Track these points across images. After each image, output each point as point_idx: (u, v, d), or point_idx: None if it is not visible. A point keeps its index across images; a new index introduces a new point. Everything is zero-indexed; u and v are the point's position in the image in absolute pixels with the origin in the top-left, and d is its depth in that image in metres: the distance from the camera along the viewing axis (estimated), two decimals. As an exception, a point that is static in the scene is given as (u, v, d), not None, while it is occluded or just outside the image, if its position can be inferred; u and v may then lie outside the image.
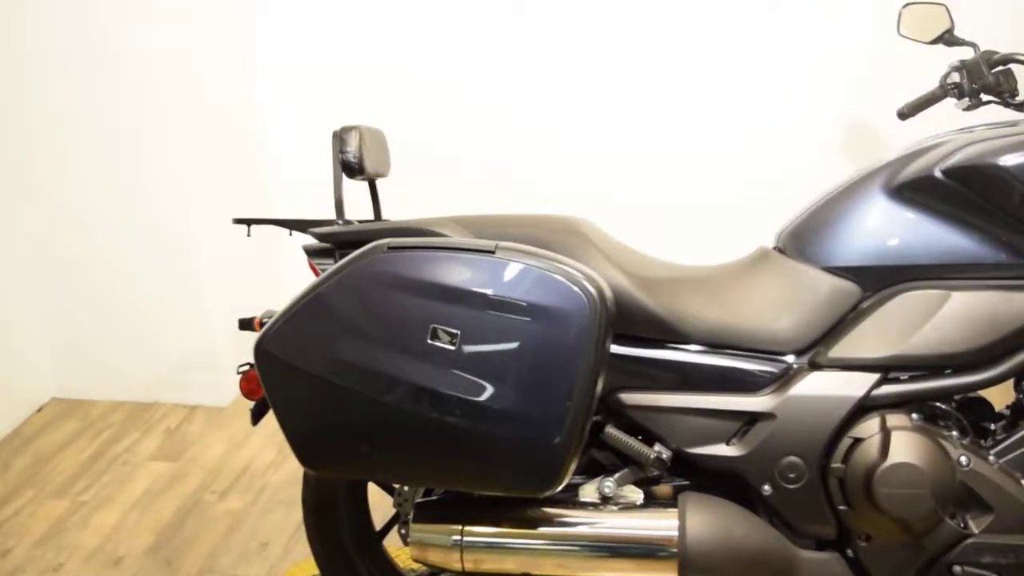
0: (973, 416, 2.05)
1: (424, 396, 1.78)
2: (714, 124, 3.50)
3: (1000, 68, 2.18)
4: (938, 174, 1.91)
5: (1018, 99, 2.24)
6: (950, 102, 2.36)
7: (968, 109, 2.31)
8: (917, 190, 1.94)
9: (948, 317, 1.92)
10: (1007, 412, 2.06)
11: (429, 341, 1.78)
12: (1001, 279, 1.92)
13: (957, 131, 2.04)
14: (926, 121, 2.47)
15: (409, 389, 1.78)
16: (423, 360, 1.78)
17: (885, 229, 1.97)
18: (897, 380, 1.96)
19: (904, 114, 2.44)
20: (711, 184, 3.56)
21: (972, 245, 1.92)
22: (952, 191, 1.91)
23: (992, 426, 2.03)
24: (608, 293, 1.80)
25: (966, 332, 1.92)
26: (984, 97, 2.28)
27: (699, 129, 3.51)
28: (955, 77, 2.28)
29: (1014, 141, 1.87)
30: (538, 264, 1.78)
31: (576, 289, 1.76)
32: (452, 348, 1.77)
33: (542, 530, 1.98)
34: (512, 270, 1.78)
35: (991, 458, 1.95)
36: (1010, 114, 2.23)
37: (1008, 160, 1.84)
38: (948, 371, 1.95)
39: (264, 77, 3.83)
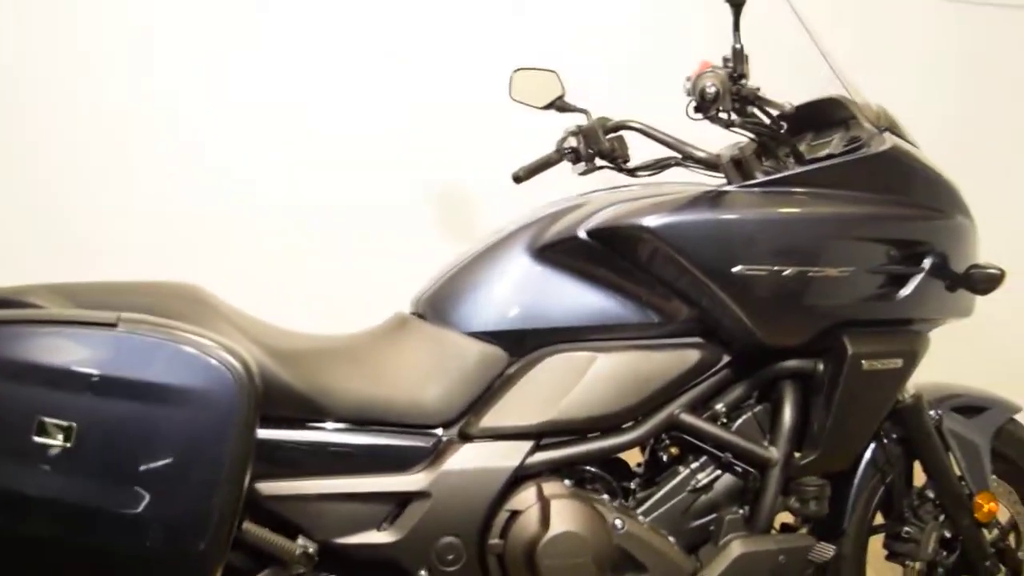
0: (614, 477, 2.04)
1: (33, 509, 1.42)
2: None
3: (614, 134, 2.24)
4: (582, 234, 1.90)
5: (630, 164, 2.30)
6: (565, 167, 2.38)
7: (584, 173, 2.34)
8: (560, 251, 1.91)
9: (595, 379, 1.90)
10: (640, 470, 2.08)
11: (35, 438, 1.43)
12: (644, 339, 1.93)
13: (604, 191, 2.05)
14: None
15: (13, 501, 1.42)
16: (28, 462, 1.43)
17: (529, 291, 1.91)
18: (550, 446, 1.90)
19: (519, 177, 2.41)
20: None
21: (616, 306, 1.91)
22: (596, 252, 1.90)
23: (631, 485, 2.03)
24: (255, 368, 1.56)
25: (613, 393, 1.90)
26: (599, 162, 2.31)
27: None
28: (572, 142, 2.28)
29: (655, 202, 1.90)
30: (171, 338, 1.51)
31: (219, 365, 1.51)
32: (66, 445, 1.44)
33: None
34: (140, 345, 1.49)
35: (641, 517, 1.94)
36: (623, 179, 2.28)
37: (650, 221, 1.85)
38: (597, 434, 1.92)
39: None
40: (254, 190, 3.08)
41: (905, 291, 1.97)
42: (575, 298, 1.91)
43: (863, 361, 1.95)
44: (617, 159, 2.26)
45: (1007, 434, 2.27)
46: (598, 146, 2.22)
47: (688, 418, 1.95)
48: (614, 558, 1.88)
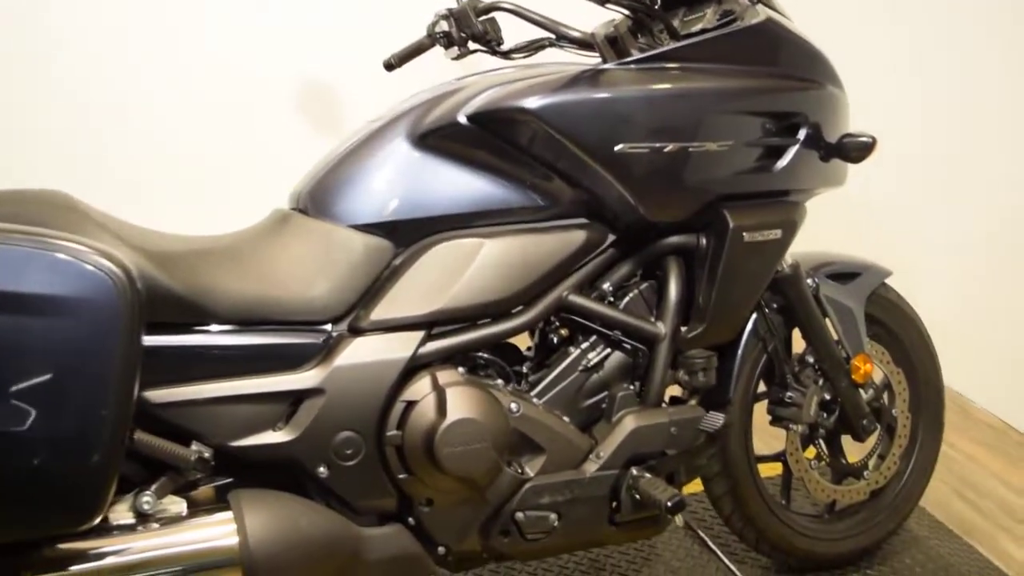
0: (506, 361, 2.05)
1: None
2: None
3: (486, 16, 2.19)
4: (461, 119, 1.86)
5: (504, 48, 2.27)
6: (439, 51, 2.33)
7: (457, 58, 2.29)
8: (441, 137, 1.88)
9: (484, 266, 1.89)
10: (531, 353, 2.09)
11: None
12: (531, 223, 1.93)
13: (481, 73, 2.01)
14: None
15: None
16: None
17: (411, 180, 1.88)
18: (442, 335, 1.89)
19: (391, 65, 2.35)
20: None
21: (501, 191, 1.90)
22: (477, 136, 1.87)
23: (523, 369, 2.05)
24: (135, 272, 1.50)
25: (502, 278, 1.90)
26: (472, 46, 2.27)
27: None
28: (443, 25, 2.23)
29: (534, 83, 1.88)
30: (43, 246, 1.43)
31: (98, 271, 1.44)
32: (-66, 363, 1.37)
33: (76, 569, 1.61)
34: (10, 256, 1.41)
35: (535, 399, 1.96)
36: (497, 63, 2.25)
37: (529, 103, 1.83)
38: (488, 320, 1.92)
39: None
40: (118, 94, 2.94)
41: (782, 163, 2.01)
42: (458, 185, 1.89)
43: (744, 233, 1.98)
44: (490, 42, 2.22)
45: (879, 298, 2.36)
46: (470, 29, 2.18)
47: (576, 299, 1.97)
48: (512, 441, 1.90)
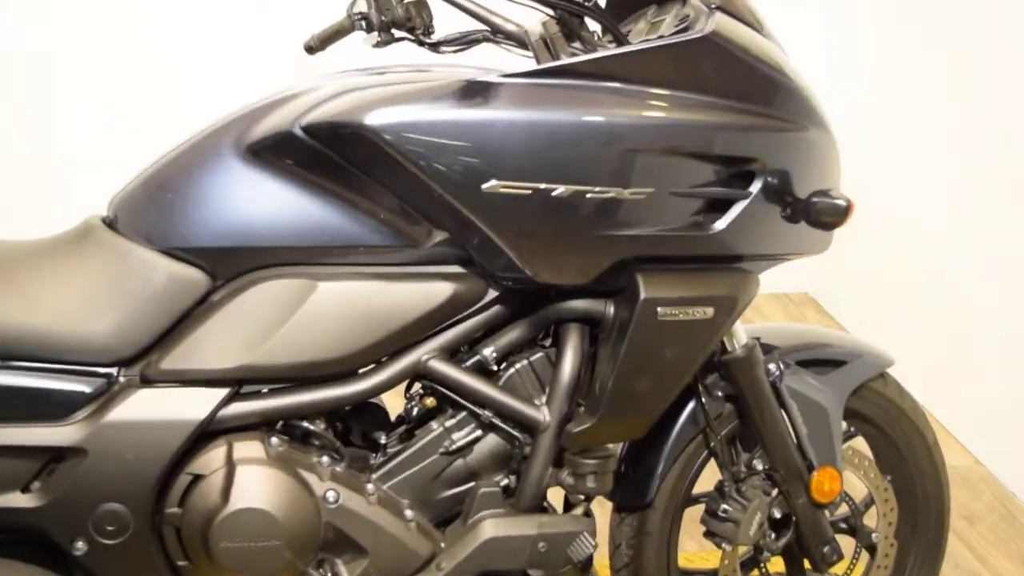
0: (367, 426, 1.67)
1: None
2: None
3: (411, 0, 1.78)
4: (298, 131, 1.47)
5: (433, 38, 1.85)
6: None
7: (378, 46, 1.88)
8: (274, 151, 1.49)
9: (312, 314, 1.50)
10: (399, 423, 1.70)
11: None
12: (382, 265, 1.53)
13: (334, 74, 1.62)
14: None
15: None
16: None
17: (235, 201, 1.51)
18: (252, 396, 1.52)
19: (311, 47, 1.96)
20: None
21: (346, 223, 1.50)
22: (315, 153, 1.47)
23: (384, 439, 1.66)
24: None
25: (335, 331, 1.51)
26: (397, 33, 1.85)
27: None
28: (362, 5, 1.83)
29: (389, 93, 1.47)
30: None
31: None
32: None
33: None
34: None
35: (370, 486, 1.57)
36: (426, 56, 1.84)
37: (373, 118, 1.42)
38: (317, 382, 1.53)
39: None
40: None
41: (723, 222, 1.54)
42: (293, 211, 1.50)
43: (659, 308, 1.53)
44: (416, 29, 1.81)
45: (871, 392, 1.86)
46: (391, 13, 1.77)
47: (438, 365, 1.56)
48: (323, 538, 1.52)
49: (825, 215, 1.55)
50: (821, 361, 1.82)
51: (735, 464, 1.78)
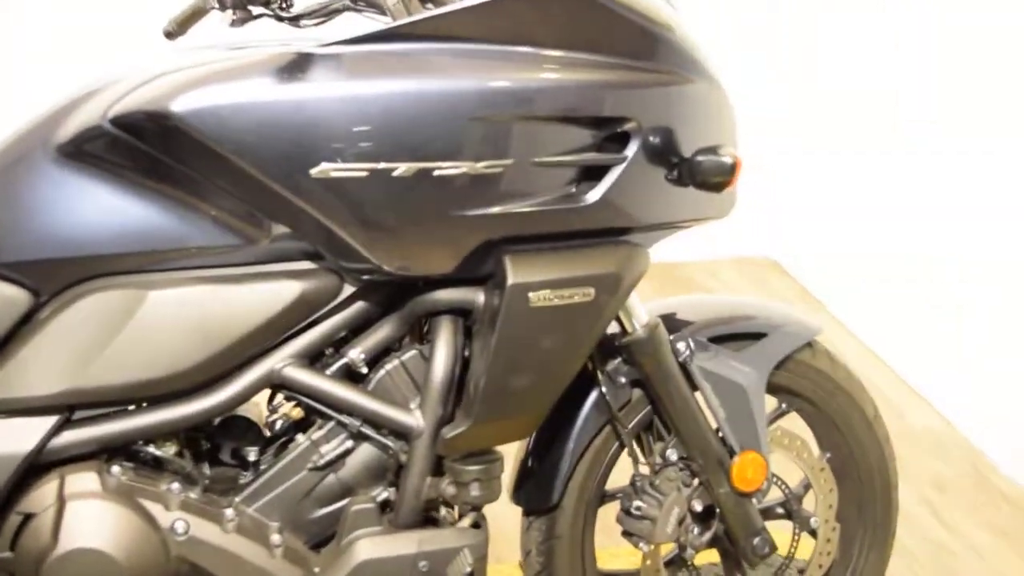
0: (237, 443, 1.51)
1: None
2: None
3: None
4: (107, 125, 1.31)
5: (293, 11, 1.68)
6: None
7: (235, 24, 1.72)
8: (86, 150, 1.33)
9: (145, 326, 1.35)
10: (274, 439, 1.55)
11: None
12: (216, 268, 1.37)
13: (149, 56, 1.45)
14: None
15: None
16: None
17: (54, 208, 1.34)
18: (86, 422, 1.37)
19: (171, 33, 1.80)
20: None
21: (171, 223, 1.34)
22: (130, 148, 1.31)
23: (254, 456, 1.50)
24: None
25: (172, 345, 1.36)
26: (254, 9, 1.69)
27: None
28: (214, -16, 1.67)
29: (194, 75, 1.31)
30: None
31: None
32: None
33: None
34: None
35: (229, 512, 1.41)
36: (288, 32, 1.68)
37: (178, 104, 1.26)
38: (159, 401, 1.38)
39: None
40: None
41: (597, 192, 1.37)
42: (115, 214, 1.34)
43: (530, 294, 1.37)
44: (272, 3, 1.65)
45: (799, 364, 1.70)
46: None
47: (296, 372, 1.41)
48: (175, 575, 1.37)
49: (711, 175, 1.38)
50: (737, 336, 1.65)
51: (649, 455, 1.63)
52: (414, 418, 1.43)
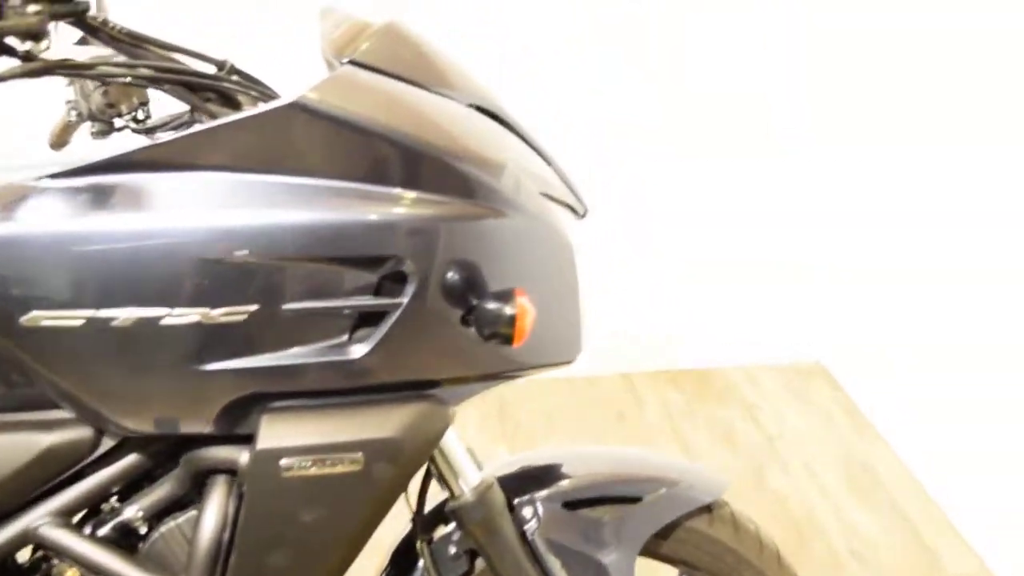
0: None
1: None
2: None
3: (103, 87, 1.51)
4: None
5: (150, 122, 1.57)
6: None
7: (97, 136, 1.63)
8: None
9: None
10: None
11: None
12: None
13: None
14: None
15: None
16: None
17: None
18: None
19: (54, 144, 1.73)
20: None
21: None
22: None
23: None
24: None
25: None
26: (116, 122, 1.59)
27: None
28: (70, 94, 1.59)
29: None
30: None
31: None
32: None
33: None
34: None
35: None
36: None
37: None
38: None
39: None
40: None
41: (366, 344, 1.17)
42: None
43: (282, 461, 1.18)
44: (123, 116, 1.56)
45: (693, 533, 1.43)
46: (91, 100, 1.53)
47: (54, 532, 1.26)
48: None
49: (486, 325, 1.16)
50: (607, 499, 1.40)
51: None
52: (177, 591, 1.25)
